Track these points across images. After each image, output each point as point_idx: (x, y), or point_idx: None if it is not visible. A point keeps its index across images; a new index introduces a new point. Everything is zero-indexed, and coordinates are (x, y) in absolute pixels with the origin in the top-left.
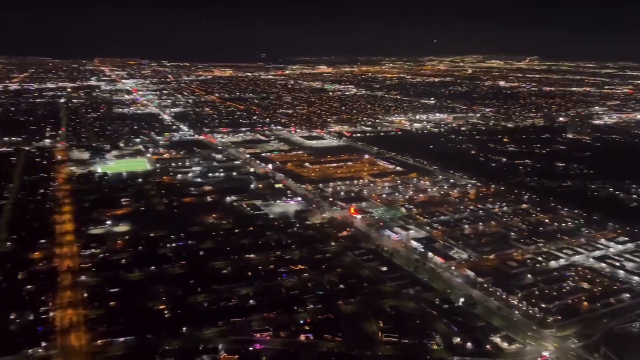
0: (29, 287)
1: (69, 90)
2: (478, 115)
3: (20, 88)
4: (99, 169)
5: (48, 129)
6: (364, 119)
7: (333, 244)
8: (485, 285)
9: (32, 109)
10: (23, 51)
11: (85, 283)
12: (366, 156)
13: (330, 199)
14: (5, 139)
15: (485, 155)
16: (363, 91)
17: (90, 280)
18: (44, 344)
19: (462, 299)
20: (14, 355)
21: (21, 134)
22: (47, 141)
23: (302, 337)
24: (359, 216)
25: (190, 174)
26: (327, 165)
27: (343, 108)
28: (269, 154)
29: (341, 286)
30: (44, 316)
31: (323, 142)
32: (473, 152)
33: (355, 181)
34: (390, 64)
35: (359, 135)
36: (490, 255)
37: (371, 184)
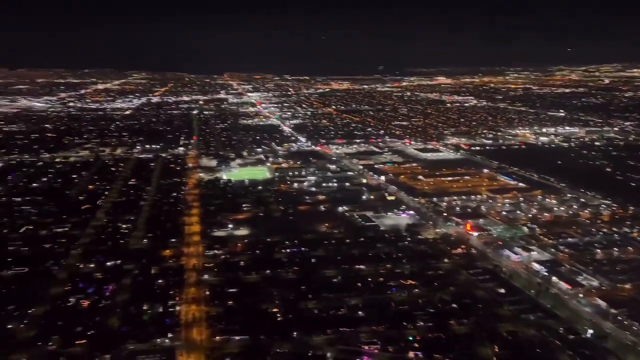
0: (160, 281)
1: (201, 102)
2: (616, 129)
3: (161, 101)
4: (224, 175)
5: (182, 138)
6: (484, 131)
7: (446, 260)
8: (619, 318)
9: (170, 120)
10: (164, 68)
11: (207, 282)
12: (485, 170)
13: (445, 214)
14: (147, 146)
15: (623, 173)
16: (484, 102)
17: (212, 280)
18: (170, 335)
19: (590, 331)
20: (144, 343)
21: (160, 142)
22: (181, 149)
23: (411, 354)
24: (475, 233)
25: (305, 183)
26: (443, 178)
27: (461, 120)
28: (382, 165)
29: (454, 305)
30: (171, 309)
31: (439, 155)
32: (608, 169)
33: (472, 196)
34: (515, 74)
35: (477, 148)
36: (626, 285)
37: (490, 200)
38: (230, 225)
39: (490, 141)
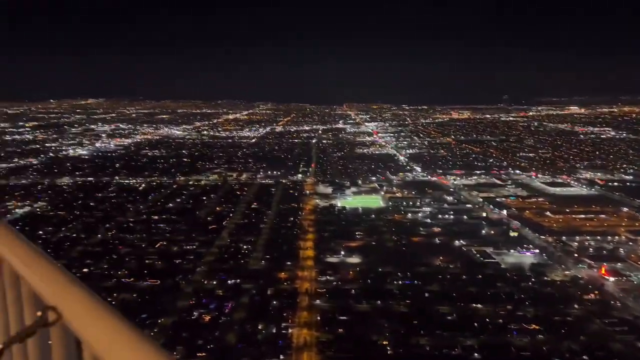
0: (274, 302)
1: (320, 132)
2: None
3: (283, 130)
4: (339, 203)
5: (301, 166)
6: (624, 166)
7: (576, 306)
8: None
9: (291, 148)
10: (288, 99)
11: (319, 307)
12: (624, 209)
13: (576, 255)
14: (269, 172)
15: None
16: (624, 134)
17: (324, 305)
18: (282, 357)
19: None
20: None
21: (280, 168)
22: (300, 176)
23: None
24: (612, 278)
25: (420, 214)
26: (573, 216)
27: (597, 153)
28: (504, 199)
29: (584, 357)
30: (284, 331)
31: (569, 190)
32: None
33: (608, 237)
34: None
35: (616, 184)
36: None
37: (630, 243)
38: (343, 253)
39: (630, 177)
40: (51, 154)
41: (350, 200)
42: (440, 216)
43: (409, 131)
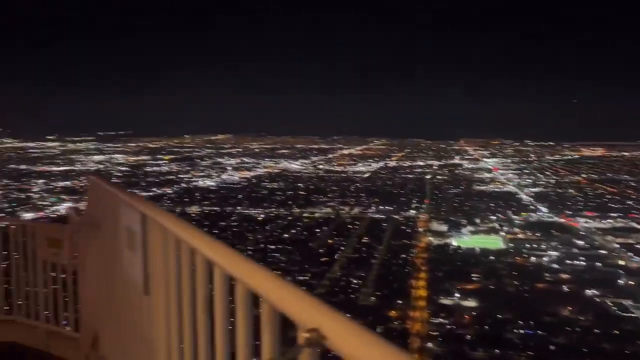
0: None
1: (434, 167)
2: None
3: (397, 165)
4: (454, 242)
5: (414, 201)
6: None
7: None
8: None
9: (404, 183)
10: (403, 134)
11: (431, 351)
12: None
13: None
14: (381, 207)
15: None
16: None
17: (436, 349)
18: None
19: None
20: None
21: (393, 204)
22: (412, 212)
23: None
24: None
25: (545, 258)
26: None
27: None
28: None
29: None
30: None
31: None
32: None
33: None
34: None
35: None
36: None
37: None
38: (458, 295)
39: None
40: (183, 184)
41: (467, 240)
42: (568, 262)
43: (533, 168)
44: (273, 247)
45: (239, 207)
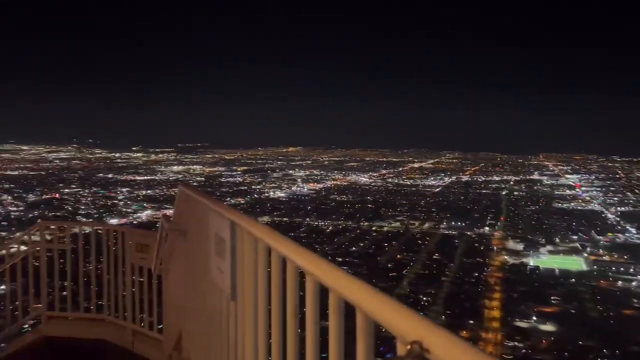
0: None
1: (511, 183)
2: None
3: (470, 180)
4: (531, 261)
5: (489, 218)
6: None
7: None
8: None
9: (478, 199)
10: (477, 148)
11: None
12: None
13: None
14: (452, 223)
15: None
16: None
17: None
18: None
19: None
20: None
21: (465, 220)
22: (486, 229)
23: None
24: None
25: (634, 283)
26: None
27: None
28: None
29: None
30: None
31: None
32: None
33: None
34: None
35: None
36: None
37: None
38: (534, 318)
39: None
40: (255, 195)
41: (546, 260)
42: None
43: (621, 185)
44: (340, 259)
45: (307, 219)
